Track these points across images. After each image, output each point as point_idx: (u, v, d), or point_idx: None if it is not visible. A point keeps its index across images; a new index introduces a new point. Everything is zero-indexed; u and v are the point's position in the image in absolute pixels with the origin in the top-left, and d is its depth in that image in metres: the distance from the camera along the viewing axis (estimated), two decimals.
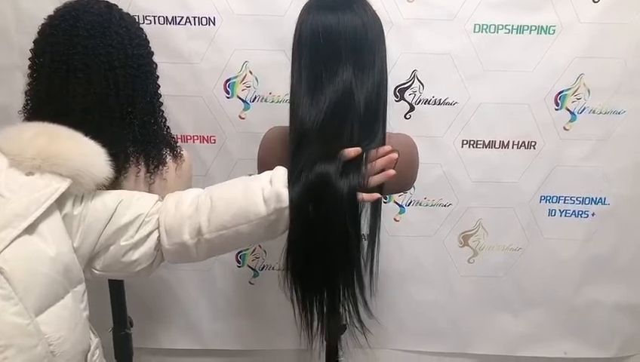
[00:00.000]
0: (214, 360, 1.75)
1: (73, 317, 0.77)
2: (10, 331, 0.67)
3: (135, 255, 0.87)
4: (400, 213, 1.62)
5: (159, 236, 0.87)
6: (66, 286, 0.77)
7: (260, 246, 1.65)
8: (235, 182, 0.91)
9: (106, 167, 0.85)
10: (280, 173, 0.87)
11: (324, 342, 1.33)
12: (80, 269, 0.81)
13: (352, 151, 0.87)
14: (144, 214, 0.88)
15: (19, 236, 0.69)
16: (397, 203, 1.61)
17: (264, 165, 1.18)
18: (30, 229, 0.71)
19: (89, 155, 0.83)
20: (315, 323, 1.04)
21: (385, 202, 1.60)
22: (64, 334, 0.74)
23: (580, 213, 1.60)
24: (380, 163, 0.88)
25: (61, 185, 0.77)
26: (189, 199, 0.89)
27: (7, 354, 0.66)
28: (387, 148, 0.89)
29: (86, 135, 1.01)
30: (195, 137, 1.52)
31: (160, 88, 1.16)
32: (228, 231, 0.85)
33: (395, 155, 0.88)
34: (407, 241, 1.64)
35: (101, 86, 1.01)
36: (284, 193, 0.84)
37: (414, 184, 1.27)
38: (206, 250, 0.88)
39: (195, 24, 1.42)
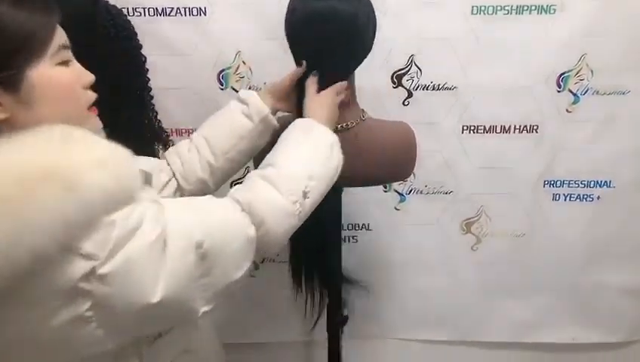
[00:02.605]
0: None
1: None
2: None
3: (161, 194, 0.94)
4: (401, 201, 1.60)
5: (178, 184, 0.97)
6: None
7: None
8: (213, 119, 1.02)
9: None
10: (247, 93, 1.00)
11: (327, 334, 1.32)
12: None
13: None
14: (157, 164, 0.97)
15: None
16: (397, 191, 1.58)
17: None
18: None
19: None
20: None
21: (385, 191, 1.58)
22: None
23: (585, 196, 1.57)
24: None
25: None
26: (185, 147, 0.99)
27: None
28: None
29: None
30: (190, 131, 1.49)
31: (150, 81, 1.14)
32: (230, 153, 0.97)
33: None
34: (409, 230, 1.62)
35: None
36: (262, 105, 0.97)
37: (414, 172, 1.24)
38: (220, 177, 0.99)
39: (185, 15, 1.39)
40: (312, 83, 0.97)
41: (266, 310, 1.69)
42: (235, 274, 0.71)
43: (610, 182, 1.55)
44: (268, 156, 0.85)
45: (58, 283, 0.55)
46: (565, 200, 1.58)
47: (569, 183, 1.56)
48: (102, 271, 0.56)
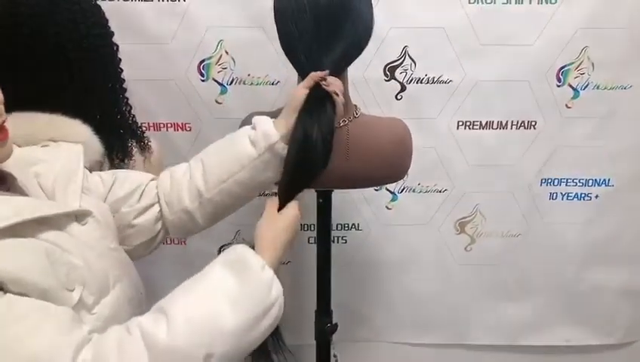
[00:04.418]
0: None
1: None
2: (118, 263, 0.72)
3: (136, 221, 0.83)
4: (392, 200, 1.52)
5: (160, 209, 0.84)
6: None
7: (244, 238, 1.55)
8: (219, 141, 0.87)
9: (101, 147, 0.86)
10: (261, 117, 0.84)
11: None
12: None
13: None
14: (143, 185, 0.85)
15: (81, 190, 0.72)
16: (389, 190, 1.51)
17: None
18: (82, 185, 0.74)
19: (88, 131, 0.85)
20: None
21: (375, 189, 1.50)
22: None
23: (583, 195, 1.52)
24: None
25: (79, 147, 0.79)
26: (182, 169, 0.86)
27: (124, 282, 0.71)
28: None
29: None
30: (169, 125, 1.41)
31: (123, 72, 1.04)
32: (226, 184, 0.81)
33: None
34: (401, 230, 1.55)
35: (51, 73, 0.89)
36: (271, 130, 0.80)
37: None
38: (210, 212, 0.84)
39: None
40: (273, 202, 0.81)
41: None
42: None
43: (609, 180, 1.50)
44: (174, 292, 0.66)
45: None
46: (563, 199, 1.52)
47: (567, 182, 1.51)
48: None
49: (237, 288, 0.66)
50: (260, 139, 0.80)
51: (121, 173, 0.86)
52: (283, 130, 0.81)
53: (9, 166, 0.65)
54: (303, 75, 0.90)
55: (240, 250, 0.71)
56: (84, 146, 0.80)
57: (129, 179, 0.84)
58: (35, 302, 0.54)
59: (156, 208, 0.84)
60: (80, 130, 0.82)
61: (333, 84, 0.83)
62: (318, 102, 0.82)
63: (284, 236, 0.77)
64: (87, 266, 0.62)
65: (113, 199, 0.81)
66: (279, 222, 0.78)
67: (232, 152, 0.81)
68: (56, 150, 0.76)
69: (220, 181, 0.81)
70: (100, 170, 0.93)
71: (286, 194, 0.81)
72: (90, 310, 0.61)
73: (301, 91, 0.82)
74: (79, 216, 0.68)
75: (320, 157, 0.81)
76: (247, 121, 1.08)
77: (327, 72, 0.84)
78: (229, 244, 1.56)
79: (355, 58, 0.93)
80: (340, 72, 0.91)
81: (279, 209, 0.80)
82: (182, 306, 0.63)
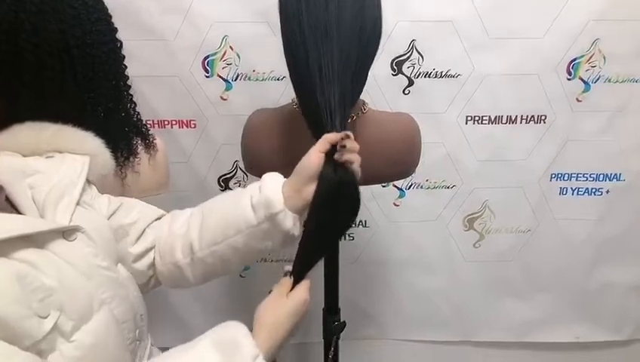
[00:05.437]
0: None
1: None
2: (110, 283, 0.65)
3: (134, 265, 0.78)
4: (400, 196, 1.51)
5: (154, 259, 0.79)
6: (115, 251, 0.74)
7: None
8: (227, 193, 0.80)
9: (111, 160, 0.81)
10: (269, 178, 0.75)
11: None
12: None
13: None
14: (146, 221, 0.80)
15: (77, 203, 0.68)
16: (396, 186, 1.49)
17: (250, 155, 1.05)
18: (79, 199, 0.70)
19: (97, 144, 0.80)
20: None
21: (383, 186, 1.49)
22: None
23: (594, 190, 1.50)
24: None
25: (85, 159, 0.74)
26: (183, 217, 0.80)
27: (114, 305, 0.64)
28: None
29: None
30: (174, 122, 1.39)
31: (127, 69, 1.02)
32: (219, 246, 0.74)
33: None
34: (408, 227, 1.53)
35: (55, 70, 0.88)
36: (275, 198, 0.71)
37: None
38: (201, 271, 0.78)
39: None
40: (285, 282, 0.74)
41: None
42: None
43: (620, 175, 1.48)
44: (154, 360, 0.63)
45: None
46: (573, 194, 1.50)
47: (577, 176, 1.49)
48: None
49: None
50: (260, 206, 0.71)
51: (128, 200, 0.82)
52: (294, 202, 0.72)
53: (0, 178, 0.62)
54: (299, 92, 0.86)
55: (235, 330, 0.64)
56: (93, 160, 0.76)
57: (135, 209, 0.80)
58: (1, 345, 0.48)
59: (151, 254, 0.79)
60: (89, 143, 0.78)
61: (351, 150, 0.73)
62: (340, 170, 0.73)
63: (288, 322, 0.69)
64: (65, 288, 0.57)
65: (116, 225, 0.77)
66: (285, 307, 0.70)
67: (231, 212, 0.74)
68: (59, 162, 0.72)
69: (212, 242, 0.74)
70: (103, 182, 0.91)
71: (303, 268, 0.76)
72: (68, 337, 0.55)
73: (316, 156, 0.72)
74: (67, 232, 0.63)
75: (346, 227, 0.77)
76: (252, 118, 1.07)
77: (344, 133, 0.73)
78: None
79: (367, 69, 0.88)
80: (356, 97, 0.87)
81: (292, 286, 0.73)
82: None
